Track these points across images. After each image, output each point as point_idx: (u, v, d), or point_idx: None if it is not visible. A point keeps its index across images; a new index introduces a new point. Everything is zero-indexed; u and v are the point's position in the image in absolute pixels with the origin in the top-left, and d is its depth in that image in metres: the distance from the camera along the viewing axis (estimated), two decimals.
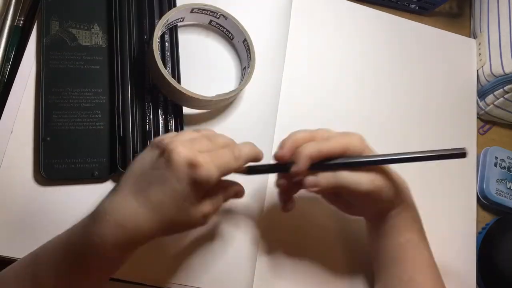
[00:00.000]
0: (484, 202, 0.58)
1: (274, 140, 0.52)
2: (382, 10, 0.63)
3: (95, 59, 0.48)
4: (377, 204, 0.42)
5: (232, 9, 0.52)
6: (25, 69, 0.47)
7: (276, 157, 0.41)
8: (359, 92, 0.58)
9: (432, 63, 0.62)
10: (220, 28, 0.53)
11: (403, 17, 0.64)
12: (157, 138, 0.37)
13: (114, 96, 0.47)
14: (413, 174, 0.44)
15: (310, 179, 0.40)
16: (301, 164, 0.39)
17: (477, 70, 0.63)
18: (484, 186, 0.57)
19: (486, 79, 0.60)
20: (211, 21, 0.52)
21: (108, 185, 0.46)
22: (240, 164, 0.38)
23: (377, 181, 0.40)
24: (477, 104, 0.62)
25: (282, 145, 0.41)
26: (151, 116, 0.48)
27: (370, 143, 0.42)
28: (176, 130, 0.48)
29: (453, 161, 0.41)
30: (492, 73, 0.59)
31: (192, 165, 0.33)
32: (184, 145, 0.34)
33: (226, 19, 0.51)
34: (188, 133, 0.38)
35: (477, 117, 0.63)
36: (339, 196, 0.45)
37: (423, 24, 0.64)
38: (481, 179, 0.58)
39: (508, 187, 0.57)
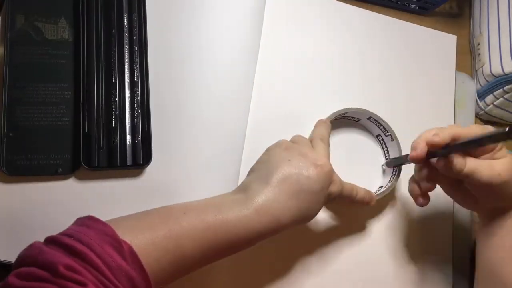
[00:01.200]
0: None
1: (244, 148, 0.51)
2: (382, 11, 0.62)
3: (61, 53, 0.47)
4: (497, 199, 0.43)
5: (206, 9, 0.51)
6: None
7: (412, 158, 0.42)
8: (341, 96, 0.56)
9: (425, 63, 0.61)
10: (383, 145, 0.55)
11: (403, 17, 0.63)
12: (309, 154, 0.43)
13: (80, 92, 0.46)
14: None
15: (441, 162, 0.41)
16: (441, 137, 0.40)
17: (476, 70, 0.62)
18: None
19: (486, 79, 0.60)
20: (379, 135, 0.55)
21: (72, 182, 0.45)
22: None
23: (504, 175, 0.40)
24: (477, 104, 0.62)
25: (416, 145, 0.42)
26: (117, 112, 0.47)
27: None
28: (143, 127, 0.47)
29: None
30: (491, 73, 0.58)
31: (330, 178, 0.43)
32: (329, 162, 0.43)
33: (392, 140, 0.53)
34: (325, 146, 0.46)
35: (477, 117, 0.63)
36: (458, 186, 0.45)
37: (410, 23, 0.62)
38: None
39: None
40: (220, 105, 0.51)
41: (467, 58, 0.65)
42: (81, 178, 0.46)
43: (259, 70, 0.54)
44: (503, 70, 0.56)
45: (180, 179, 0.47)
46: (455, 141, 0.41)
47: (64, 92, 0.46)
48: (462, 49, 0.64)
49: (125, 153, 0.46)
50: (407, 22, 0.62)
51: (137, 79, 0.48)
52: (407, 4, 0.64)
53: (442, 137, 0.40)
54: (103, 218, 0.44)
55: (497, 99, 0.59)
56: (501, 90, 0.58)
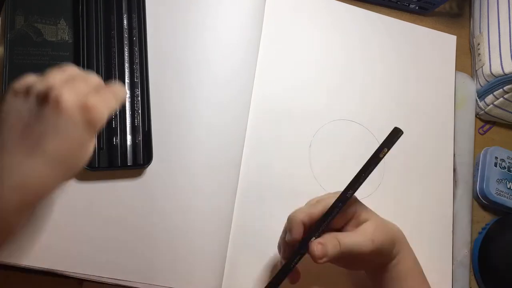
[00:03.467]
0: (484, 202, 0.57)
1: (244, 148, 0.51)
2: (382, 11, 0.62)
3: (60, 54, 0.47)
4: (377, 259, 0.42)
5: (206, 9, 0.50)
6: None
7: (289, 242, 0.41)
8: (340, 96, 0.56)
9: (425, 63, 0.61)
10: None
11: (403, 17, 0.63)
12: (22, 84, 0.33)
13: None
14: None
15: (318, 252, 0.39)
16: (295, 232, 0.40)
17: (476, 70, 0.62)
18: (484, 186, 0.56)
19: (486, 79, 0.60)
20: None
21: (73, 183, 0.45)
22: (119, 104, 0.36)
23: (376, 239, 0.40)
24: (477, 104, 0.62)
25: (288, 230, 0.41)
26: (117, 112, 0.47)
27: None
28: (144, 127, 0.47)
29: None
30: (491, 73, 0.58)
31: (85, 109, 0.32)
32: (69, 89, 0.32)
33: None
34: (61, 73, 0.34)
35: (477, 117, 0.63)
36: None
37: (410, 23, 0.63)
38: (481, 179, 0.57)
39: (508, 187, 0.57)
40: (220, 104, 0.51)
41: (467, 58, 0.65)
42: (82, 178, 0.45)
43: (259, 70, 0.54)
44: (503, 70, 0.56)
45: (180, 179, 0.47)
46: (314, 220, 0.40)
47: None
48: (462, 49, 0.64)
49: (126, 153, 0.46)
50: (407, 22, 0.62)
51: (137, 79, 0.48)
52: (407, 4, 0.64)
53: (296, 233, 0.40)
54: (104, 217, 0.44)
55: (497, 99, 0.59)
56: (501, 90, 0.58)
